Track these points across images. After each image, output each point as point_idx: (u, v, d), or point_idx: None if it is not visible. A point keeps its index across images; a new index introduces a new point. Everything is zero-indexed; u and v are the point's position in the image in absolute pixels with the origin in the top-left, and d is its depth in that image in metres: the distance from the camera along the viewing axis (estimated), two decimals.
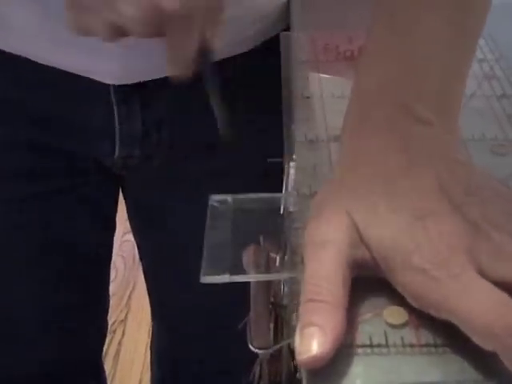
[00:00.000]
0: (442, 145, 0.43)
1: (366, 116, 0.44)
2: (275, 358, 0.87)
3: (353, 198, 0.41)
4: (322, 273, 0.39)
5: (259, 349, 0.60)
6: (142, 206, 0.80)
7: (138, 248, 0.88)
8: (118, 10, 0.45)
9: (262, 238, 0.49)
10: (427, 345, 0.38)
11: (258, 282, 0.55)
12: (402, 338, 0.38)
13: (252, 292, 0.56)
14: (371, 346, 0.38)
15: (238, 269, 0.43)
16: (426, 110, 0.43)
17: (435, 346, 0.38)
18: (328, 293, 0.38)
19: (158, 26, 0.46)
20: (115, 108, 0.64)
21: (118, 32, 0.47)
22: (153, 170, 0.73)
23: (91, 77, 0.63)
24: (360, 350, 0.38)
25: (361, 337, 0.39)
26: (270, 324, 0.62)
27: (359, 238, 0.40)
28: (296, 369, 0.85)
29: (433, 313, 0.38)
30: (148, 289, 0.91)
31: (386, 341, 0.38)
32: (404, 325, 0.39)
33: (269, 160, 0.77)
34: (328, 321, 0.37)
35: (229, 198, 0.48)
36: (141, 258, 0.90)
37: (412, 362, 0.37)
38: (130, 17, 0.45)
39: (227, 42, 0.52)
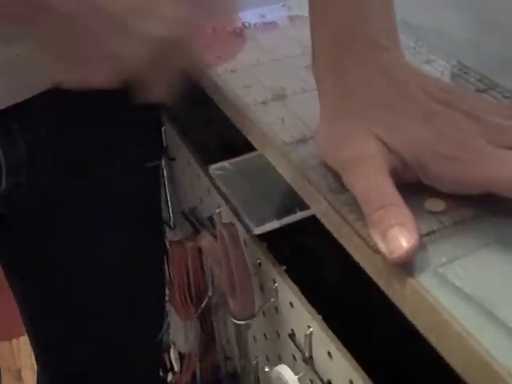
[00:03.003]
0: (406, 64, 0.50)
1: (342, 52, 0.49)
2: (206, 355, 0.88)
3: (367, 119, 0.47)
4: (375, 183, 0.44)
5: (244, 320, 0.62)
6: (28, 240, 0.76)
7: (15, 293, 0.83)
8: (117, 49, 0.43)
9: None
10: (473, 217, 0.45)
11: (238, 259, 0.57)
12: (454, 219, 0.44)
13: (235, 269, 0.59)
14: (434, 232, 0.44)
15: (280, 215, 0.46)
16: (385, 39, 0.50)
17: (478, 216, 0.45)
18: (390, 196, 0.43)
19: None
20: None
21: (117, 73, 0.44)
22: (39, 199, 0.70)
23: None
24: (427, 238, 0.44)
25: (422, 227, 0.44)
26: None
27: (387, 150, 0.46)
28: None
29: (471, 191, 0.44)
30: (30, 336, 0.87)
31: (443, 224, 0.44)
32: (445, 211, 0.45)
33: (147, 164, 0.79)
34: (404, 218, 0.42)
35: (226, 163, 0.50)
36: (20, 305, 0.85)
37: (470, 234, 0.44)
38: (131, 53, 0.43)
39: None
